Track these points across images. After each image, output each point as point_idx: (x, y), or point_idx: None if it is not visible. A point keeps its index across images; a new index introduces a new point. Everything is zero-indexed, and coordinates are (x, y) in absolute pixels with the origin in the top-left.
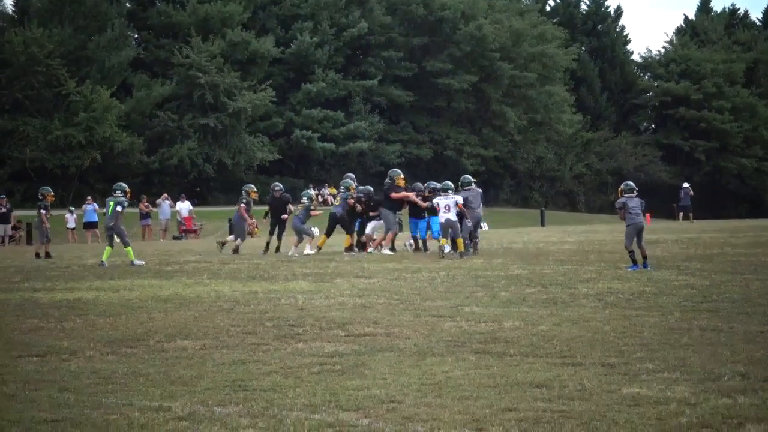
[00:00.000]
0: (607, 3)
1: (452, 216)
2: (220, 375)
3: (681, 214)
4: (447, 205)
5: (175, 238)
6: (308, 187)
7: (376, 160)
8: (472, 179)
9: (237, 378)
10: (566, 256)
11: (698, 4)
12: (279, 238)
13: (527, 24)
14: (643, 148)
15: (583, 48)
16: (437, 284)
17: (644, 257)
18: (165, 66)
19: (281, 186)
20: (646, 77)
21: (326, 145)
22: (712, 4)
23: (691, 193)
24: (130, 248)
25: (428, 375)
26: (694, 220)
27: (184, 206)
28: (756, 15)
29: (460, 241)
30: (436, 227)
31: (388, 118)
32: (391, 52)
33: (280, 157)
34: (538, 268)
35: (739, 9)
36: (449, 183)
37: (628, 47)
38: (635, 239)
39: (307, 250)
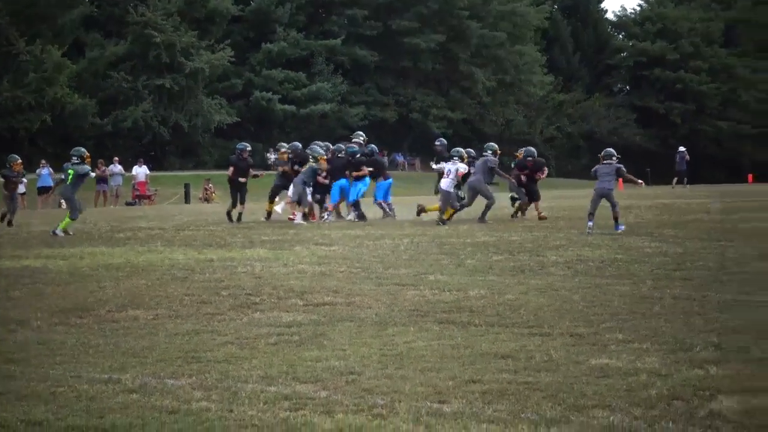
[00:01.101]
0: None
1: (448, 185)
2: (173, 346)
3: (675, 179)
4: (448, 170)
5: (128, 203)
6: (269, 151)
7: (339, 122)
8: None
9: (190, 349)
10: (535, 222)
11: None
12: (241, 203)
13: None
14: (616, 110)
15: (555, 6)
16: (401, 252)
17: (615, 219)
18: (119, 24)
19: (247, 147)
20: (621, 37)
21: (287, 107)
22: None
23: (687, 157)
24: (69, 221)
25: (389, 346)
26: (688, 185)
27: (141, 171)
28: None
29: (449, 210)
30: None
31: (351, 79)
32: (356, 10)
33: (239, 119)
34: (505, 235)
35: None
36: (459, 150)
37: (602, 5)
38: (598, 204)
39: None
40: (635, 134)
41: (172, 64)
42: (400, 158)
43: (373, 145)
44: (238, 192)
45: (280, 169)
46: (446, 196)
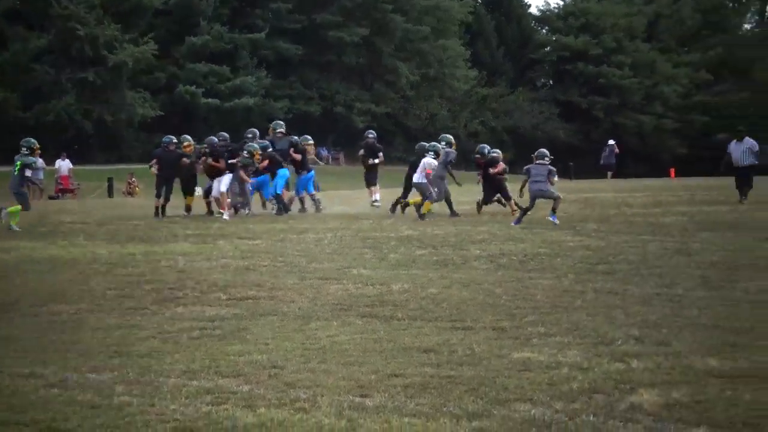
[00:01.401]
0: None
1: (420, 178)
2: (95, 340)
3: (609, 172)
4: (423, 165)
5: (51, 197)
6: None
7: (263, 116)
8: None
9: (113, 343)
10: (462, 215)
11: None
12: (167, 198)
13: None
14: (540, 105)
15: (479, 1)
16: (324, 246)
17: (553, 210)
18: (42, 17)
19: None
20: (544, 31)
21: (211, 100)
22: None
23: (617, 150)
24: (18, 209)
25: (312, 340)
26: (613, 179)
27: (64, 164)
28: None
29: (427, 204)
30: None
31: (275, 73)
32: (279, 4)
33: (162, 113)
34: (429, 229)
35: None
36: (437, 144)
37: (526, 0)
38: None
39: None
40: (558, 129)
41: (95, 58)
42: (324, 152)
43: (295, 137)
44: (164, 186)
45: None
46: (422, 188)
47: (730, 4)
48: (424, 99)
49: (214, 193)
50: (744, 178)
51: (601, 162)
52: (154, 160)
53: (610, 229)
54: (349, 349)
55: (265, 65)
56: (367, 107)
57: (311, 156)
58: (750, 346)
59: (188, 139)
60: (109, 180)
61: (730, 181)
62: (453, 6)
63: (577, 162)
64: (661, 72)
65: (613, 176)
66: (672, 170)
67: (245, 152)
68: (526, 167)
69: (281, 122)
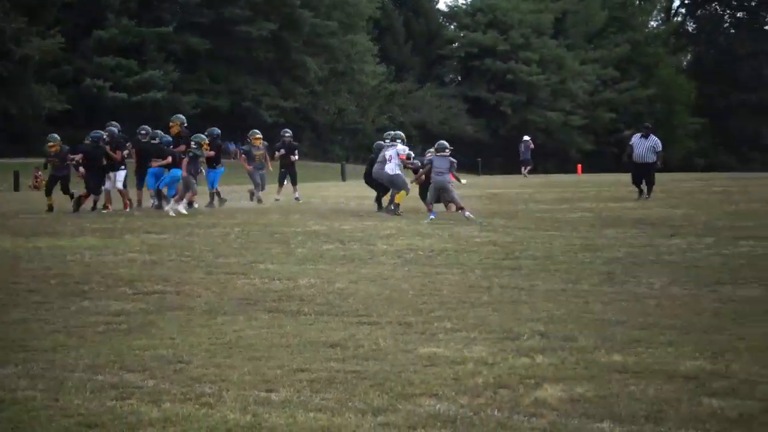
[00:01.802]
0: None
1: (394, 169)
2: (0, 335)
3: (523, 167)
4: (389, 155)
5: None
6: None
7: (171, 110)
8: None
9: (17, 338)
10: (366, 211)
11: None
12: (96, 192)
13: None
14: (448, 100)
15: None
16: (231, 240)
17: (460, 208)
18: None
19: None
20: (452, 27)
21: (118, 94)
22: None
23: (532, 146)
24: None
25: (218, 334)
26: (528, 175)
27: None
28: None
29: (401, 194)
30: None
31: (183, 67)
32: None
33: (70, 107)
34: (336, 224)
35: None
36: (399, 132)
37: None
38: (439, 196)
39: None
40: (466, 124)
41: (1, 51)
42: (232, 147)
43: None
44: (92, 180)
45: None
46: (399, 180)
47: (637, 2)
48: (332, 94)
49: (108, 186)
50: (644, 175)
51: (520, 158)
52: (81, 155)
53: (517, 225)
54: (255, 343)
55: (174, 59)
56: (276, 102)
57: (260, 152)
58: (653, 341)
59: (55, 138)
60: (15, 174)
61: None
62: (361, 1)
63: (484, 158)
64: (568, 68)
65: (530, 172)
66: (579, 166)
67: (194, 143)
68: (427, 158)
69: (180, 116)
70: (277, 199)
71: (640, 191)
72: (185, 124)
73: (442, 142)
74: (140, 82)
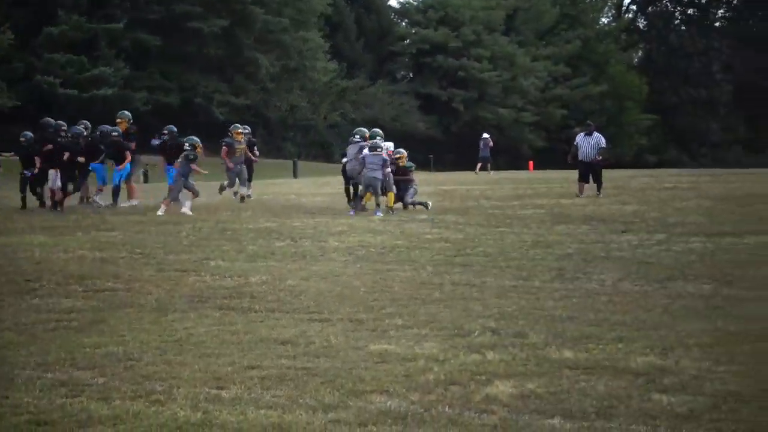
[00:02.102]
0: None
1: (375, 173)
2: None
3: (479, 165)
4: (367, 155)
5: None
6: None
7: (123, 107)
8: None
9: None
10: (318, 208)
11: None
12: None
13: None
14: (400, 97)
15: None
16: (182, 237)
17: (377, 204)
18: None
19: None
20: (404, 24)
21: (69, 91)
22: None
23: (491, 144)
24: None
25: (169, 332)
26: (492, 171)
27: None
28: None
29: (390, 195)
30: None
31: (134, 64)
32: None
33: (20, 103)
34: (288, 221)
35: None
36: (376, 130)
37: None
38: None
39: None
40: (418, 121)
41: None
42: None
43: (173, 126)
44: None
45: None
46: (376, 185)
47: None
48: (284, 91)
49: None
50: (589, 172)
51: (480, 155)
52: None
53: (469, 222)
54: (206, 341)
55: (124, 56)
56: (227, 99)
57: (242, 146)
58: (604, 337)
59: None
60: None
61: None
62: None
63: (436, 154)
64: (519, 65)
65: (484, 168)
66: (531, 163)
67: (188, 145)
68: (362, 155)
69: (126, 112)
70: (235, 193)
71: (581, 190)
72: (131, 121)
73: (375, 141)
74: (91, 78)
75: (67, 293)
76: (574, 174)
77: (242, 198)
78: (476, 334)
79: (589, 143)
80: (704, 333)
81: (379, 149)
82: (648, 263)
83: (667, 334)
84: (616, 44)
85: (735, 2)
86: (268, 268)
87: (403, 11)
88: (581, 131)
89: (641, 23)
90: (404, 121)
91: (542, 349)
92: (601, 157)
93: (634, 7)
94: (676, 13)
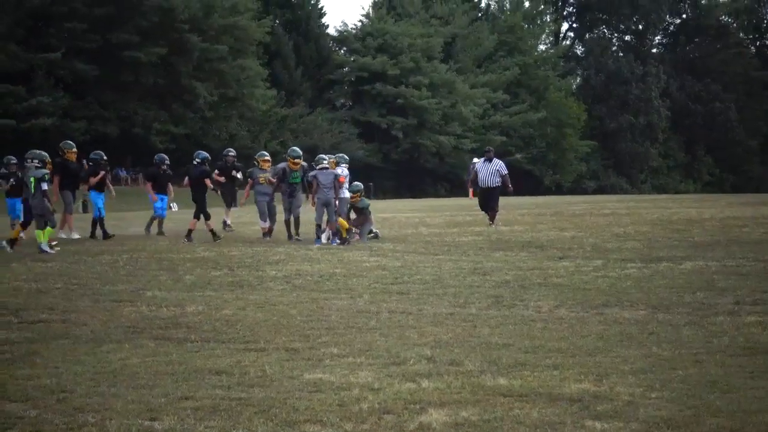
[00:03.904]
0: None
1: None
2: None
3: (471, 190)
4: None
5: None
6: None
7: (61, 137)
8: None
9: None
10: (257, 237)
11: None
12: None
13: None
14: (339, 125)
15: (277, 21)
16: (119, 267)
17: (344, 230)
18: None
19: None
20: (342, 52)
21: (6, 121)
22: None
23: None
24: (49, 229)
25: (103, 363)
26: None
27: None
28: None
29: (341, 222)
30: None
31: (73, 94)
32: (75, 24)
33: None
34: (225, 250)
35: None
36: (343, 156)
37: (324, 20)
38: (325, 213)
39: None
40: (358, 148)
41: None
42: (123, 173)
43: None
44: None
45: None
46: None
47: (525, 26)
48: (223, 119)
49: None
50: (489, 200)
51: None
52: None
53: (407, 249)
54: (140, 372)
55: (62, 85)
56: (166, 128)
57: (266, 176)
58: (539, 364)
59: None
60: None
61: (523, 201)
62: (250, 26)
63: (376, 182)
64: (459, 92)
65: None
66: (471, 190)
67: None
68: (311, 174)
69: (70, 142)
70: (228, 225)
71: (491, 217)
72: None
73: (320, 155)
74: (29, 108)
75: (0, 325)
76: (513, 200)
77: (267, 232)
78: (411, 362)
79: (488, 169)
80: (639, 359)
81: (325, 163)
82: (585, 289)
83: (602, 361)
84: (555, 71)
85: (671, 29)
86: (204, 298)
87: (341, 39)
88: (481, 158)
89: (579, 50)
90: (344, 149)
91: (477, 377)
92: (504, 185)
93: (571, 34)
94: (614, 40)
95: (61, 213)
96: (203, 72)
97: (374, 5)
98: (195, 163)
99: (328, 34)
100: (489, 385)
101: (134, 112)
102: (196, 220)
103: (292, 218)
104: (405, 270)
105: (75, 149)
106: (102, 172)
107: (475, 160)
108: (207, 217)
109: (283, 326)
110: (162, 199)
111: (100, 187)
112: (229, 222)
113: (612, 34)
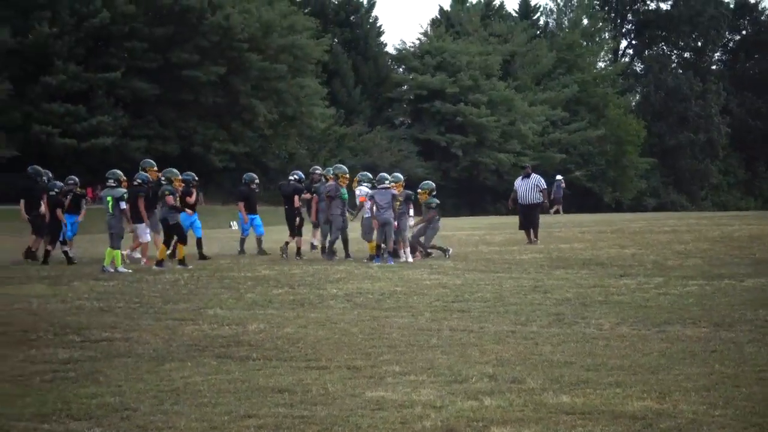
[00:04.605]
0: None
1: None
2: None
3: (555, 207)
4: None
5: None
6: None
7: (121, 156)
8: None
9: None
10: (315, 255)
11: None
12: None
13: (277, 14)
14: (398, 143)
15: (336, 39)
16: (180, 286)
17: (372, 249)
18: None
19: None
20: (401, 70)
21: (67, 140)
22: None
23: (563, 185)
24: (118, 252)
25: (166, 381)
26: (561, 213)
27: None
28: (512, 7)
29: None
30: None
31: (132, 113)
32: (135, 43)
33: (18, 153)
34: (286, 268)
35: (494, 0)
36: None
37: (382, 39)
38: (384, 235)
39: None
40: (417, 167)
41: None
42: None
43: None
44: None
45: None
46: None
47: (584, 43)
48: (282, 138)
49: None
50: (530, 217)
51: (551, 197)
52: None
53: (467, 267)
54: (203, 390)
55: (122, 105)
56: (225, 147)
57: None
58: (601, 382)
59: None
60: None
61: (584, 218)
62: (309, 44)
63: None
64: (517, 110)
65: (557, 212)
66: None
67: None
68: (370, 193)
69: (152, 161)
70: (315, 246)
71: (529, 235)
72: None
73: (382, 174)
74: (89, 128)
75: (64, 344)
76: (574, 217)
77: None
78: (473, 380)
79: (527, 185)
80: (702, 376)
81: (387, 182)
82: (646, 307)
83: (664, 378)
84: (614, 88)
85: (731, 45)
86: (266, 316)
87: (400, 57)
88: (584, 174)
89: (638, 67)
90: (403, 167)
91: (539, 395)
92: (545, 200)
93: (630, 51)
94: (673, 56)
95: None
96: (262, 91)
97: (432, 23)
98: (290, 180)
99: (386, 53)
100: (551, 403)
101: (194, 131)
102: (298, 237)
103: (340, 237)
104: (466, 288)
105: (156, 168)
106: (196, 193)
107: (577, 173)
108: (296, 235)
109: (345, 344)
110: (252, 219)
111: (192, 207)
112: (316, 243)
113: (671, 51)
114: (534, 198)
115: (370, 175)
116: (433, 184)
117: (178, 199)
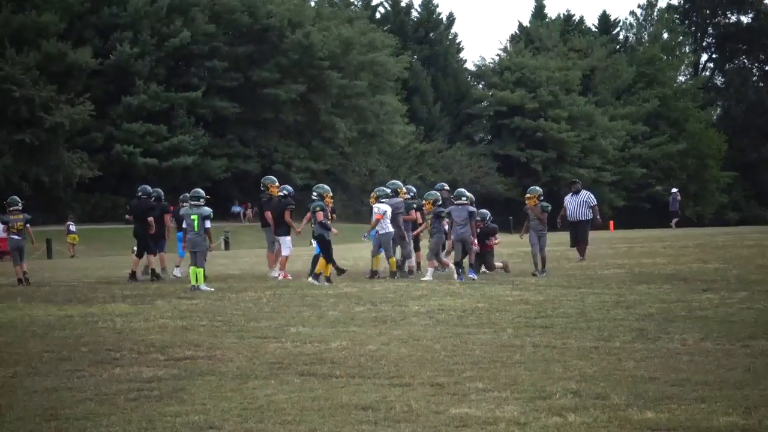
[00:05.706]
0: (438, 10)
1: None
2: (32, 404)
3: (674, 219)
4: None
5: None
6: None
7: (202, 175)
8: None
9: (49, 406)
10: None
11: (532, 10)
12: (149, 253)
13: (356, 32)
14: (478, 159)
15: (415, 56)
16: (263, 304)
17: (470, 264)
18: None
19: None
20: (480, 86)
21: (149, 160)
22: (546, 11)
23: (679, 198)
24: (201, 270)
25: (250, 399)
26: (677, 228)
27: (1, 226)
28: (591, 21)
29: (392, 260)
30: None
31: (213, 131)
32: (215, 62)
33: (101, 173)
34: (368, 285)
35: (574, 15)
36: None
37: (461, 55)
38: (462, 251)
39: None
40: (497, 183)
41: (31, 119)
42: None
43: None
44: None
45: None
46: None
47: (664, 57)
48: (362, 155)
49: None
50: (579, 233)
51: (670, 209)
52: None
53: (549, 283)
54: (287, 407)
55: (203, 124)
56: (306, 164)
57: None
58: (686, 397)
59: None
60: (48, 241)
61: (668, 233)
62: (389, 61)
63: (516, 216)
64: (598, 125)
65: (678, 224)
66: (611, 223)
67: (315, 195)
68: (447, 209)
69: (273, 177)
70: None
71: (581, 251)
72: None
73: (460, 190)
74: (170, 147)
75: (148, 362)
76: (656, 233)
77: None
78: (557, 396)
79: (576, 202)
80: None
81: (464, 198)
82: (730, 321)
83: (750, 394)
84: (694, 102)
85: None
86: (348, 334)
87: (479, 73)
88: (665, 190)
89: (719, 80)
90: (483, 183)
91: (624, 411)
92: (596, 217)
93: (711, 65)
94: (754, 70)
95: (270, 251)
96: (342, 108)
97: (512, 39)
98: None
99: (466, 69)
100: (636, 419)
101: (274, 149)
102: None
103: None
104: (548, 304)
105: (277, 183)
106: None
107: (657, 187)
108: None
109: (428, 361)
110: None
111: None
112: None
113: (752, 64)
114: (583, 214)
115: (388, 191)
116: (488, 213)
117: (329, 215)
